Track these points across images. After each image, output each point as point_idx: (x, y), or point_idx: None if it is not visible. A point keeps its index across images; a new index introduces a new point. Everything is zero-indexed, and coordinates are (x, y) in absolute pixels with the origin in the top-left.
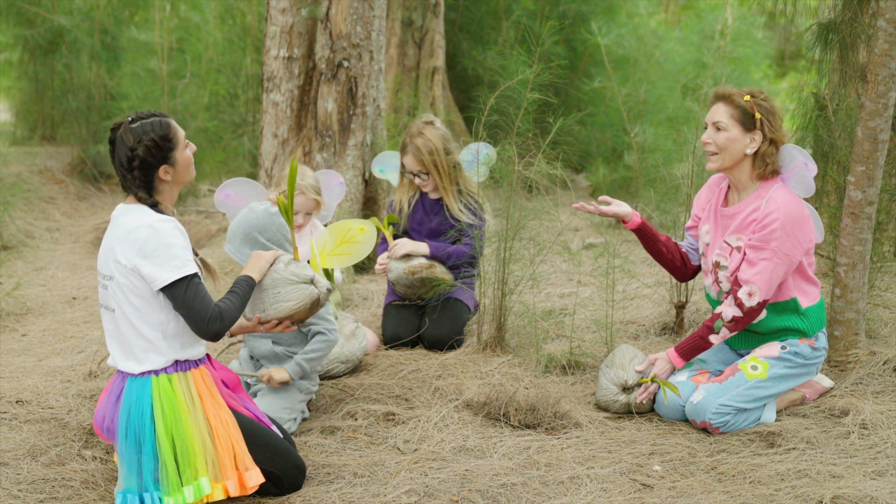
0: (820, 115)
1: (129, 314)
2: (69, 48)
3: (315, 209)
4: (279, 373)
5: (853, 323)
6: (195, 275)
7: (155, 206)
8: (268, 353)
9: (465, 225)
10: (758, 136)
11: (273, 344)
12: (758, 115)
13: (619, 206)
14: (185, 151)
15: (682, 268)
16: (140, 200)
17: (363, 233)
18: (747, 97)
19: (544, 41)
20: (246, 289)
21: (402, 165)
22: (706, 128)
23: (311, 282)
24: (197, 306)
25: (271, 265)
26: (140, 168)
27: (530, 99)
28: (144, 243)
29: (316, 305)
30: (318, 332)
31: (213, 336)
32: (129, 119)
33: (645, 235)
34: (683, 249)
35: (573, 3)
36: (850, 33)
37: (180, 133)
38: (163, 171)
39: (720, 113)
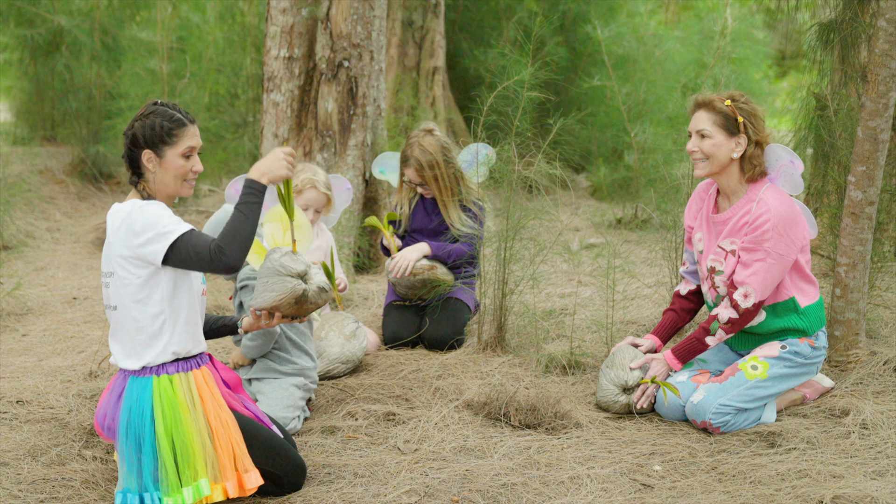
0: (821, 115)
1: (130, 307)
2: (69, 48)
3: (325, 206)
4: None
5: (853, 323)
6: (187, 232)
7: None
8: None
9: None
10: (742, 139)
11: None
12: (740, 119)
13: (648, 353)
14: (180, 159)
15: (701, 301)
16: (131, 179)
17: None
18: (728, 101)
19: (543, 40)
20: (251, 200)
21: (403, 174)
22: (690, 136)
23: (301, 276)
24: (198, 255)
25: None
26: (131, 141)
27: (528, 98)
28: (133, 224)
29: (303, 301)
30: None
31: (227, 269)
32: (159, 101)
33: (673, 332)
34: (688, 280)
35: (573, 3)
36: (850, 33)
37: (187, 139)
38: (146, 157)
39: (703, 120)
